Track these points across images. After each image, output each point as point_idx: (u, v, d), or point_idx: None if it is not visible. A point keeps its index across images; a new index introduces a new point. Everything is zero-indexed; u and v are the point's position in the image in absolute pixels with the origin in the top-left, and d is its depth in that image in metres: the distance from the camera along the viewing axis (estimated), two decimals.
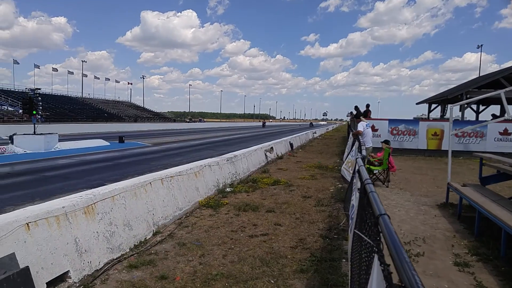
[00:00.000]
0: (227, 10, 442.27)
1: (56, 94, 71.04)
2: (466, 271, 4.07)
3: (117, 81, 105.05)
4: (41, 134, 17.24)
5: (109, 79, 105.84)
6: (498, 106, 24.40)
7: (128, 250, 4.48)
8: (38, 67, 76.58)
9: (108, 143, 20.50)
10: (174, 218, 5.84)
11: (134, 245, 4.64)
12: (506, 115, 7.70)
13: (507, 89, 7.42)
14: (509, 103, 7.10)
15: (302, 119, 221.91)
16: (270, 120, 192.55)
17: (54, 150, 16.92)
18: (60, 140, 18.13)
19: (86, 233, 3.92)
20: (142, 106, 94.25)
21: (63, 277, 3.51)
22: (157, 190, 5.64)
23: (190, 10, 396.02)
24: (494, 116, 23.10)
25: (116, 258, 4.21)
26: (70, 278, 3.54)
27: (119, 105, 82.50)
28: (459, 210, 6.28)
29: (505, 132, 15.91)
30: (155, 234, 5.14)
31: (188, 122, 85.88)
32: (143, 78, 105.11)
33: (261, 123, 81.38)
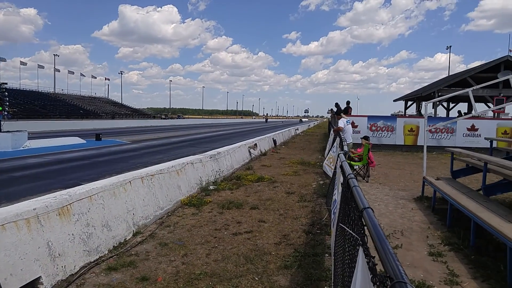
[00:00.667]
0: (208, 6, 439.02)
1: (25, 89, 68.88)
2: (440, 261, 4.28)
3: (93, 77, 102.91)
4: (8, 131, 16.46)
5: (84, 75, 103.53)
6: (466, 104, 25.65)
7: (106, 252, 4.39)
8: (4, 60, 73.71)
9: (84, 141, 19.93)
10: (155, 217, 5.77)
11: (113, 246, 4.55)
12: (473, 111, 8.09)
13: (474, 87, 7.92)
14: (475, 101, 7.55)
15: (285, 116, 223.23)
16: (253, 117, 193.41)
17: (23, 148, 16.15)
18: (30, 138, 17.28)
19: (61, 236, 3.78)
20: (120, 102, 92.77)
21: (34, 284, 3.36)
22: (137, 189, 5.54)
23: (171, 5, 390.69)
24: (459, 113, 24.18)
25: (94, 261, 4.11)
26: (42, 284, 3.40)
27: (96, 101, 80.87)
28: (433, 203, 6.57)
29: (472, 128, 16.81)
30: (135, 234, 5.06)
31: (163, 118, 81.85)
32: (121, 74, 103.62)
33: (264, 119, 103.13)
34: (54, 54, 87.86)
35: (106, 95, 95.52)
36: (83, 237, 4.09)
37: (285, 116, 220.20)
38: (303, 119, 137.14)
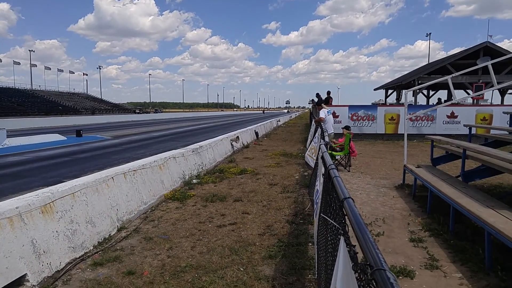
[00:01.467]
0: None
1: (1, 86, 66.42)
2: (420, 246, 4.38)
3: (71, 72, 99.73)
4: None
5: (62, 70, 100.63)
6: (446, 91, 26.03)
7: (92, 248, 4.34)
8: None
9: (65, 138, 19.42)
10: (139, 212, 5.72)
11: (98, 242, 4.51)
12: (452, 99, 8.22)
13: (453, 75, 7.95)
14: (455, 88, 7.64)
15: (266, 108, 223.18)
16: (235, 109, 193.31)
17: (2, 147, 15.65)
18: (8, 136, 16.77)
19: (45, 233, 3.74)
20: (100, 97, 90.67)
21: (20, 281, 3.33)
22: (120, 184, 5.48)
23: None
24: (439, 101, 24.60)
25: (79, 257, 4.07)
26: (28, 282, 3.37)
27: (75, 97, 78.76)
28: (414, 190, 6.66)
29: (452, 115, 16.91)
30: (119, 229, 5.01)
31: (138, 113, 78.11)
32: (100, 69, 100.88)
33: (261, 111, 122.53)
34: (29, 50, 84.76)
35: (85, 91, 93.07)
36: (67, 233, 4.04)
37: (266, 108, 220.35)
38: (284, 110, 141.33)
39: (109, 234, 4.78)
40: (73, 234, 4.13)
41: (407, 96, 8.04)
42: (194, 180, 8.04)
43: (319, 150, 5.31)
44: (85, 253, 4.19)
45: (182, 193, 6.89)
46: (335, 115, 15.36)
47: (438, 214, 5.32)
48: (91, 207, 4.62)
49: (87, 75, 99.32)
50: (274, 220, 5.42)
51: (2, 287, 3.12)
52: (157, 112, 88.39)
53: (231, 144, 13.32)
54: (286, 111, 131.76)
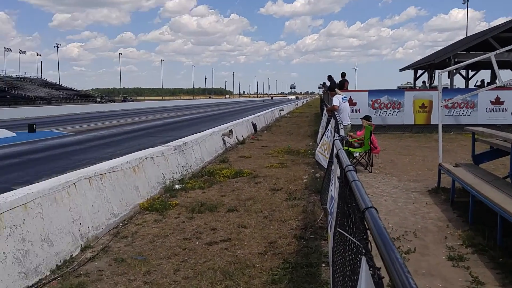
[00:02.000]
0: None
1: None
2: (461, 266, 4.34)
3: (22, 52, 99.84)
4: None
5: (11, 49, 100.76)
6: (489, 71, 25.90)
7: (48, 273, 4.32)
8: None
9: (14, 134, 19.52)
10: (108, 227, 5.72)
11: (57, 265, 4.49)
12: (497, 81, 8.13)
13: (497, 51, 7.74)
14: (500, 67, 7.49)
15: (266, 94, 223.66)
16: (227, 96, 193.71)
17: None
18: None
19: None
20: (58, 83, 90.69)
21: None
22: (84, 192, 5.47)
23: None
24: (482, 83, 24.39)
25: (33, 285, 4.05)
26: None
27: (27, 83, 78.85)
28: (452, 195, 6.62)
29: (497, 101, 16.77)
30: (84, 249, 5.01)
31: (100, 102, 76.75)
32: (58, 47, 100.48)
33: (269, 98, 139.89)
34: None
35: (39, 75, 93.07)
36: (17, 255, 4.01)
37: (266, 94, 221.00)
38: (289, 97, 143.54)
39: (71, 255, 4.77)
40: (25, 256, 4.11)
41: (442, 78, 7.98)
42: (177, 186, 8.05)
43: (333, 147, 5.30)
44: (39, 279, 4.16)
45: (162, 202, 6.89)
46: (352, 103, 15.34)
47: (482, 225, 5.28)
48: (48, 221, 4.60)
49: (41, 55, 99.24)
50: (278, 235, 5.42)
51: None
52: (126, 101, 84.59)
53: (223, 139, 13.33)
54: (294, 97, 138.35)
